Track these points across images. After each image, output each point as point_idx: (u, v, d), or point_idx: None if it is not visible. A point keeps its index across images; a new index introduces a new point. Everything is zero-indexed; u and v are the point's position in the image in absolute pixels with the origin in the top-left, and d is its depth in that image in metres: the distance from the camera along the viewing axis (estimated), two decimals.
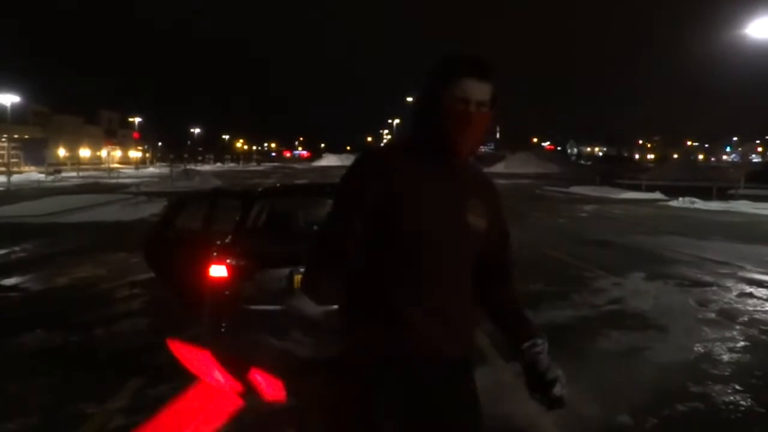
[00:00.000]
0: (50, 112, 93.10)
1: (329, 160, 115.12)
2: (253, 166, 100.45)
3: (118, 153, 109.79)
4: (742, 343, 6.42)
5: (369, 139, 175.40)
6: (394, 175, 2.02)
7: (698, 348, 6.27)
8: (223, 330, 5.17)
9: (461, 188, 2.11)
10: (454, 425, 2.14)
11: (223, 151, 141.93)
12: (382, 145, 2.26)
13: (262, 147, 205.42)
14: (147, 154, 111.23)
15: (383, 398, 2.02)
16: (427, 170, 2.05)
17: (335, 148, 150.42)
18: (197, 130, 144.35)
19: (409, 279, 2.03)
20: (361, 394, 2.05)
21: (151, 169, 73.11)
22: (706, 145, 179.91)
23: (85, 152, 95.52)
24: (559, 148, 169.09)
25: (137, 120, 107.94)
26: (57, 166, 61.29)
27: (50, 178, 48.01)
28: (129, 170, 69.23)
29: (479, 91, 2.02)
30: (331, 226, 2.08)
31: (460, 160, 2.09)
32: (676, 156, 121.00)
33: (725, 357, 5.99)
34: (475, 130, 2.03)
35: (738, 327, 7.04)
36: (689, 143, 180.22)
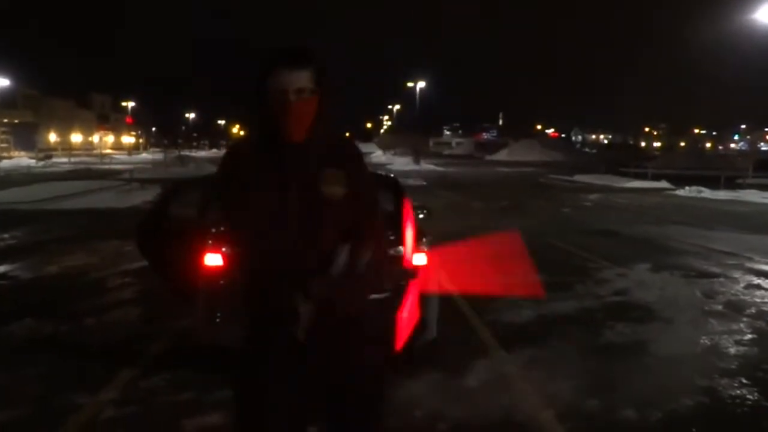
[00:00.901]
0: (41, 95, 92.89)
1: None
2: None
3: (110, 138, 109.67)
4: (749, 336, 6.42)
5: (369, 125, 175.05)
6: (239, 166, 2.30)
7: (704, 340, 6.26)
8: (218, 321, 5.15)
9: (302, 167, 2.28)
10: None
11: (219, 137, 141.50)
12: (239, 139, 2.64)
13: None
14: (140, 140, 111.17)
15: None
16: (263, 159, 2.29)
17: None
18: (192, 115, 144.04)
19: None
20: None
21: (144, 155, 73.06)
22: (714, 133, 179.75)
23: (76, 137, 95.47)
24: (563, 136, 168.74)
25: (130, 104, 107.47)
26: (48, 152, 61.27)
27: (41, 163, 47.98)
28: (122, 156, 69.15)
29: (295, 79, 2.22)
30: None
31: (295, 143, 2.28)
32: (683, 144, 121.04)
33: (732, 350, 5.98)
34: (299, 116, 2.24)
35: (745, 319, 7.04)
36: (696, 131, 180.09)
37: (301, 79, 2.22)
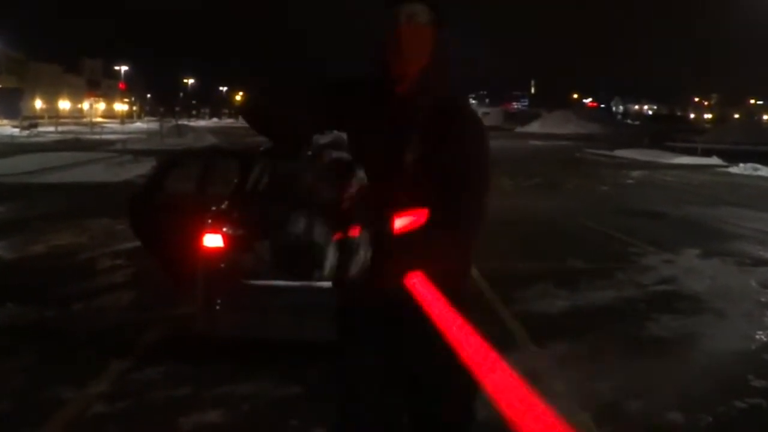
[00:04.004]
0: (26, 59, 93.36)
1: None
2: None
3: (101, 106, 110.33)
4: None
5: None
6: (348, 106, 2.27)
7: (760, 336, 6.20)
8: (218, 308, 5.16)
9: (403, 123, 2.24)
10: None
11: (221, 105, 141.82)
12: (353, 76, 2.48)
13: None
14: (134, 108, 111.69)
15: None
16: (372, 106, 2.28)
17: None
18: (191, 81, 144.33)
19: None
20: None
21: (138, 124, 73.38)
22: None
23: (64, 104, 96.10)
24: (602, 106, 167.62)
25: (123, 69, 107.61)
26: (33, 120, 61.67)
27: (25, 132, 48.30)
28: (114, 125, 69.48)
29: (410, 6, 2.21)
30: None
31: (402, 85, 2.25)
32: (736, 116, 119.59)
33: None
34: (407, 44, 2.21)
35: None
36: (752, 101, 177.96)
37: (417, 8, 2.22)
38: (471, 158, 2.25)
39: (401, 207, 2.16)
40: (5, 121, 62.68)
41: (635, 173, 24.47)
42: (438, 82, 2.29)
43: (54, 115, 72.24)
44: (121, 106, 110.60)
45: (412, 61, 2.23)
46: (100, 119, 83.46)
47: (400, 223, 2.14)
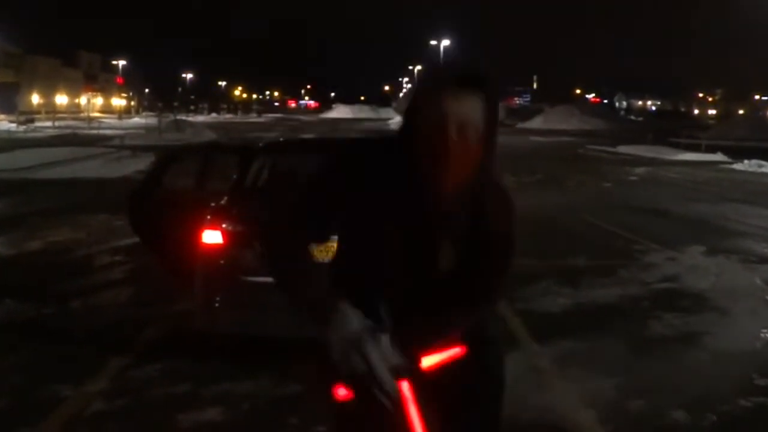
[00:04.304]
0: (23, 53, 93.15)
1: (340, 112, 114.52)
2: (253, 118, 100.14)
3: (99, 100, 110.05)
4: None
5: (387, 87, 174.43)
6: (370, 185, 1.95)
7: (765, 334, 6.20)
8: (217, 305, 5.16)
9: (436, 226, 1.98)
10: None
11: (219, 100, 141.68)
12: (372, 140, 2.14)
13: (264, 96, 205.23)
14: (132, 102, 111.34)
15: None
16: (399, 198, 1.95)
17: (347, 98, 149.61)
18: (189, 76, 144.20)
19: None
20: None
21: (136, 119, 73.21)
22: None
23: (62, 99, 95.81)
24: (605, 101, 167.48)
25: (121, 63, 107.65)
26: (30, 115, 61.51)
27: (22, 128, 48.16)
28: (111, 120, 69.36)
29: (462, 105, 1.82)
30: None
31: (440, 202, 1.93)
32: (741, 112, 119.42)
33: None
34: (454, 164, 1.84)
35: None
36: (757, 97, 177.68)
37: (469, 107, 1.83)
38: (509, 235, 2.11)
39: (429, 343, 2.02)
40: (2, 116, 62.49)
41: (638, 170, 24.43)
42: (484, 180, 1.98)
43: (51, 110, 71.96)
44: (118, 101, 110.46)
45: (456, 180, 1.88)
46: (97, 114, 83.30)
47: (428, 362, 2.00)
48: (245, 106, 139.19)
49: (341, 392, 1.96)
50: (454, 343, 2.07)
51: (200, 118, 78.10)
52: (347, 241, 2.07)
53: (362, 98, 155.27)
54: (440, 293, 2.01)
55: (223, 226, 5.13)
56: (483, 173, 1.93)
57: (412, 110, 1.92)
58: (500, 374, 2.28)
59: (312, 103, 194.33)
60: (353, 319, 1.85)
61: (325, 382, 2.04)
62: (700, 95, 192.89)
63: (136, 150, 25.26)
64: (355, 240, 2.02)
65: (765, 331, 6.28)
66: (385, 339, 1.85)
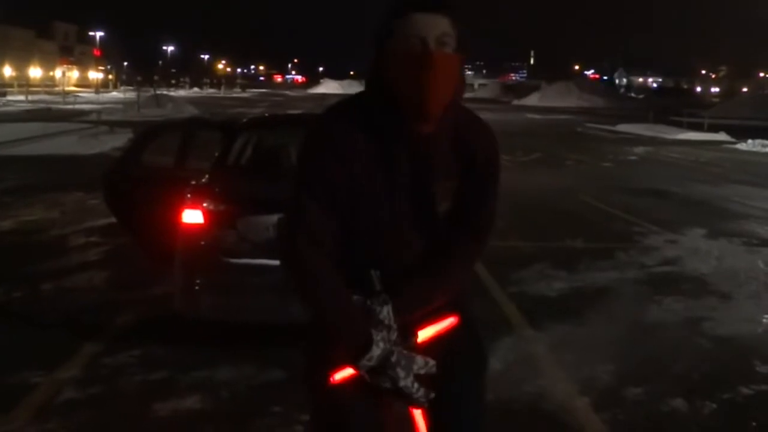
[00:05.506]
0: None
1: (328, 87, 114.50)
2: (237, 93, 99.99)
3: (75, 74, 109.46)
4: None
5: None
6: (354, 158, 1.98)
7: (767, 320, 6.23)
8: (197, 288, 5.14)
9: (430, 164, 2.03)
10: None
11: (202, 75, 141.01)
12: (338, 108, 2.13)
13: (249, 70, 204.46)
14: (110, 76, 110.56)
15: None
16: (388, 148, 2.00)
17: (336, 73, 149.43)
18: (171, 49, 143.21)
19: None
20: None
21: (114, 94, 72.83)
22: None
23: (35, 72, 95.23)
24: (605, 78, 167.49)
25: (99, 35, 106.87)
26: (2, 88, 61.09)
27: None
28: (88, 94, 68.96)
29: (435, 25, 1.90)
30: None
31: (422, 134, 1.98)
32: (745, 90, 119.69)
33: None
34: (439, 76, 1.89)
35: None
36: (762, 75, 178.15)
37: (442, 25, 1.90)
38: (497, 168, 2.16)
39: (424, 315, 2.06)
40: None
41: (639, 149, 24.49)
42: (456, 115, 2.06)
43: (24, 84, 71.46)
44: (95, 75, 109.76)
45: (439, 98, 1.93)
46: (73, 88, 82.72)
47: (424, 335, 2.05)
48: (229, 80, 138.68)
49: (337, 377, 1.97)
50: (448, 313, 2.10)
51: (181, 93, 77.91)
52: (342, 214, 2.05)
53: (352, 73, 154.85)
54: (441, 243, 2.09)
55: (204, 205, 5.09)
56: (458, 96, 2.01)
57: (384, 35, 1.97)
58: (484, 347, 2.30)
59: (299, 77, 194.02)
60: (379, 342, 1.90)
61: (317, 369, 2.05)
62: (704, 72, 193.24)
63: (114, 126, 25.13)
64: (350, 212, 2.03)
65: (767, 316, 6.30)
66: (387, 310, 1.94)
